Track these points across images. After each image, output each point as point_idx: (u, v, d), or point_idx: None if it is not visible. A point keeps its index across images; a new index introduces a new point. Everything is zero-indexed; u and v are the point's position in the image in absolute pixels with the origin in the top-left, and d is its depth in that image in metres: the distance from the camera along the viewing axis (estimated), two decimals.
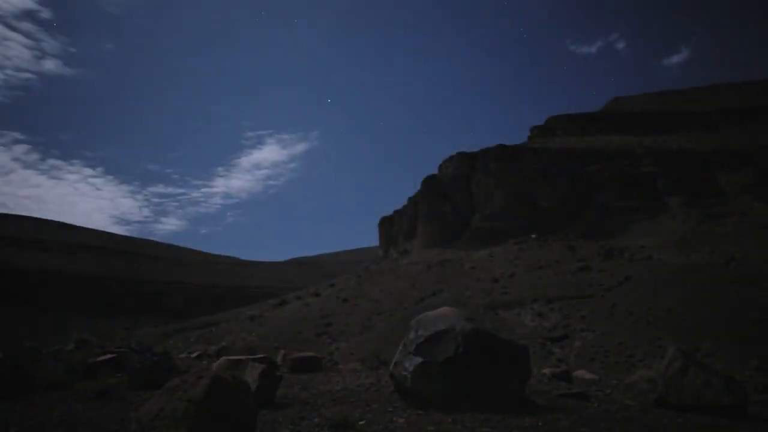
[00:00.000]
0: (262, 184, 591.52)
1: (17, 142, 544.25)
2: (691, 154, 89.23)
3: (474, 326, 7.07)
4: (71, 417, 6.19)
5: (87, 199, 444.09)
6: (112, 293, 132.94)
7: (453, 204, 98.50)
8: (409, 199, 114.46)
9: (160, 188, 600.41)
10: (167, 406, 3.97)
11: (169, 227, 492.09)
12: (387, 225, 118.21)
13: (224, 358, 7.90)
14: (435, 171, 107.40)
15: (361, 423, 5.88)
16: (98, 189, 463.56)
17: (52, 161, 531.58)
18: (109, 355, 10.66)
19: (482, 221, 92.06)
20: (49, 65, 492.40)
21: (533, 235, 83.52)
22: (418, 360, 6.87)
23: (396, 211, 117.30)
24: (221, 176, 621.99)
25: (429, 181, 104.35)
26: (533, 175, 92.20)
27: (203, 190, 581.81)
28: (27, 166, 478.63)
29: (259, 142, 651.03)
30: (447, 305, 11.67)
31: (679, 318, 41.83)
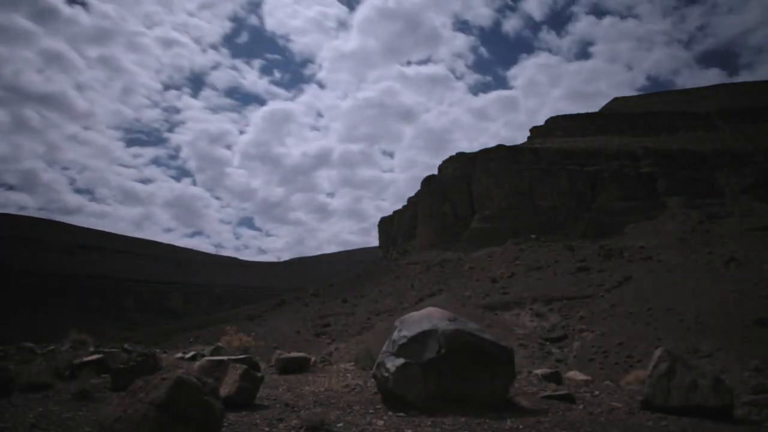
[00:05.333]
0: None
1: None
2: (691, 154, 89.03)
3: (457, 327, 6.95)
4: (46, 418, 6.09)
5: None
6: (112, 293, 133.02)
7: (453, 204, 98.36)
8: (409, 199, 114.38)
9: None
10: (129, 408, 3.87)
11: None
12: (387, 225, 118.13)
13: (206, 359, 7.80)
14: (435, 171, 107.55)
15: (338, 425, 5.77)
16: None
17: None
18: (95, 356, 10.54)
19: (482, 221, 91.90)
20: None
21: (533, 235, 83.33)
22: (400, 361, 6.75)
23: (396, 212, 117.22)
24: None
25: (429, 181, 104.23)
26: (533, 176, 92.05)
27: None
28: None
29: None
30: (446, 306, 11.61)
31: (679, 318, 41.57)
